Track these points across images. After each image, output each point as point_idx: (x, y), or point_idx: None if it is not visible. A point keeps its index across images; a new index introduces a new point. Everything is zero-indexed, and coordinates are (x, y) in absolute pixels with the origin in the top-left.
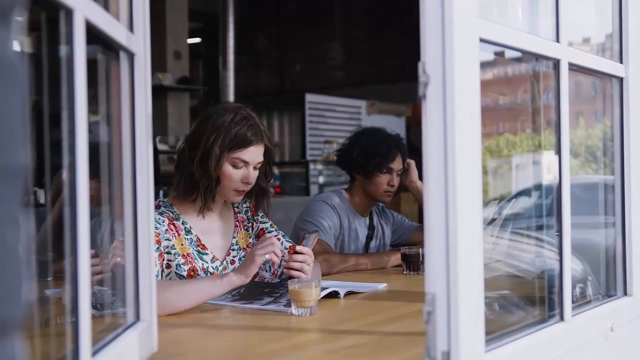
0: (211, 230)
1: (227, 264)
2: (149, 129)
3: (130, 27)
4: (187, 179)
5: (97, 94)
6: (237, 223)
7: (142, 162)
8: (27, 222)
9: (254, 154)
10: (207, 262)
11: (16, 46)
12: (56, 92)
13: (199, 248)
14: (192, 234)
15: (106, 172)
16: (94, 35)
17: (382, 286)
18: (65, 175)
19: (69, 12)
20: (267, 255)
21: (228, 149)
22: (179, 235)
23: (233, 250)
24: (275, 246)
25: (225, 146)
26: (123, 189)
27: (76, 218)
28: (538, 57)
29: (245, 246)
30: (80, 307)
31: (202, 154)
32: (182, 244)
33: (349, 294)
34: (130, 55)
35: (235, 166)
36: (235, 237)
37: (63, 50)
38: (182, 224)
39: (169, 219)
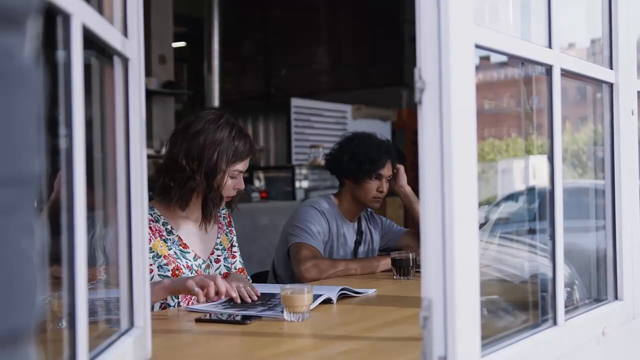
0: (194, 232)
1: (210, 262)
2: (143, 135)
3: (125, 32)
4: (188, 192)
5: (90, 98)
6: (220, 225)
7: (137, 167)
8: (40, 230)
9: (248, 163)
10: (190, 260)
11: (29, 53)
12: (51, 96)
13: (180, 247)
14: (173, 234)
15: (99, 178)
16: (89, 40)
17: (371, 292)
18: (58, 180)
19: (67, 17)
20: (196, 289)
21: (231, 163)
22: (159, 236)
23: (217, 249)
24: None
25: (229, 161)
26: (117, 195)
27: (73, 224)
28: (531, 63)
29: (227, 248)
30: (77, 314)
31: (207, 170)
32: (161, 246)
33: (342, 297)
34: (125, 61)
35: (232, 177)
36: (219, 238)
37: (60, 54)
38: (163, 225)
39: None
